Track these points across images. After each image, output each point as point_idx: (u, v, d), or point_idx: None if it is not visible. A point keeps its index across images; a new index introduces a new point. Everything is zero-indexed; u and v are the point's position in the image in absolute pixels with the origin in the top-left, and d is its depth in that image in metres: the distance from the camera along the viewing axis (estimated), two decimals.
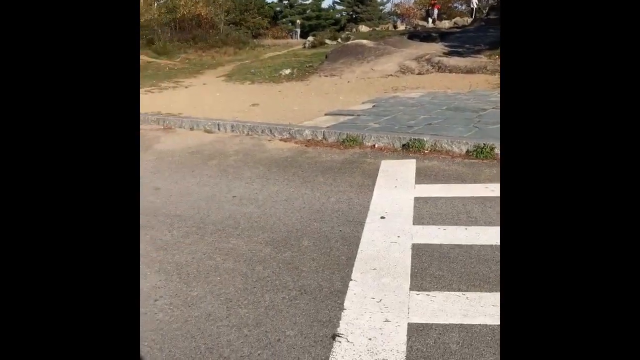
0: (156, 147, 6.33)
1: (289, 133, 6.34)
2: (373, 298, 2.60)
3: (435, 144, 5.29)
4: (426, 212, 3.70)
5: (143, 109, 8.64)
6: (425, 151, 5.27)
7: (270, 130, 6.52)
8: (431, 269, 2.86)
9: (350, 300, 2.59)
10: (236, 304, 2.60)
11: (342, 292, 2.68)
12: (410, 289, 2.67)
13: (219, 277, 2.88)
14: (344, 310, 2.51)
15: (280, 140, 6.30)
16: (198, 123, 7.23)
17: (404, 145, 5.45)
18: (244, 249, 3.24)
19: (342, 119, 6.84)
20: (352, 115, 7.05)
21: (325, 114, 7.26)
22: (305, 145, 5.94)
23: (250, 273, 2.92)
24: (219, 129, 6.97)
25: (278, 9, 39.79)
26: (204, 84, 13.04)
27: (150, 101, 9.85)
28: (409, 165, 4.86)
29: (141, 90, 11.66)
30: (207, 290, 2.74)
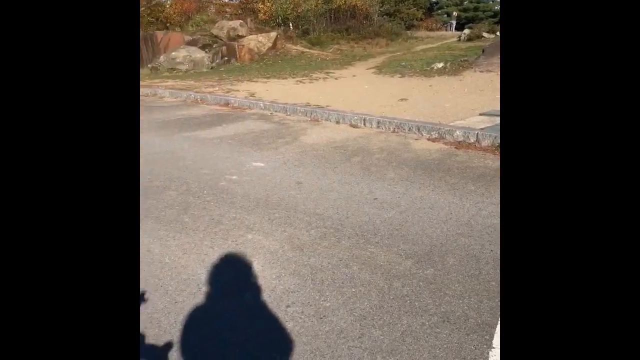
0: (302, 139, 6.36)
1: (438, 133, 5.96)
2: None
3: None
4: None
5: (294, 99, 8.83)
6: None
7: (418, 129, 6.20)
8: None
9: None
10: (370, 323, 2.39)
11: (491, 325, 2.34)
12: None
13: (353, 289, 2.69)
14: (492, 349, 2.17)
15: (428, 140, 5.94)
16: (344, 117, 7.15)
17: None
18: (382, 259, 3.01)
19: (498, 120, 6.26)
20: None
21: (480, 114, 6.72)
22: (456, 148, 5.53)
23: (388, 289, 2.68)
24: (364, 124, 6.81)
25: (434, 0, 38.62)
26: (354, 75, 13.03)
27: (301, 92, 10.04)
28: None
29: (293, 80, 12.01)
30: (340, 303, 2.57)
